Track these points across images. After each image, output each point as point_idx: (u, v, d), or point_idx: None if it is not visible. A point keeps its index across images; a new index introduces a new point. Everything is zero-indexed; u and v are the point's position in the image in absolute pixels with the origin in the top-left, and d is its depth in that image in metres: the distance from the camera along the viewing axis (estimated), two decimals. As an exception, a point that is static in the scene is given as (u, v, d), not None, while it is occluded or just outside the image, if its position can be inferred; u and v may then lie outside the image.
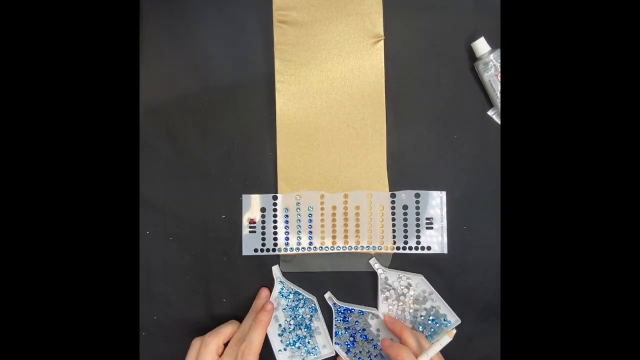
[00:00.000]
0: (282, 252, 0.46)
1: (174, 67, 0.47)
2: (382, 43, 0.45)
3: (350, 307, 0.45)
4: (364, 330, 0.45)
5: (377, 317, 0.45)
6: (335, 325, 0.45)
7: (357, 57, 0.45)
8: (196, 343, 0.41)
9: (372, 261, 0.45)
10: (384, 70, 0.45)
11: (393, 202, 0.45)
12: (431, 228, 0.45)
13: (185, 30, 0.47)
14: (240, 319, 0.45)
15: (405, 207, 0.45)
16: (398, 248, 0.45)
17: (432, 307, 0.45)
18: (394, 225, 0.45)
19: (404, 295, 0.45)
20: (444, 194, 0.45)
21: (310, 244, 0.46)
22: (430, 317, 0.45)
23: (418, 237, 0.45)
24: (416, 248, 0.45)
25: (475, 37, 0.44)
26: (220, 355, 0.41)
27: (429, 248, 0.45)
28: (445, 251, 0.45)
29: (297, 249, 0.46)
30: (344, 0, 0.44)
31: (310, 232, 0.46)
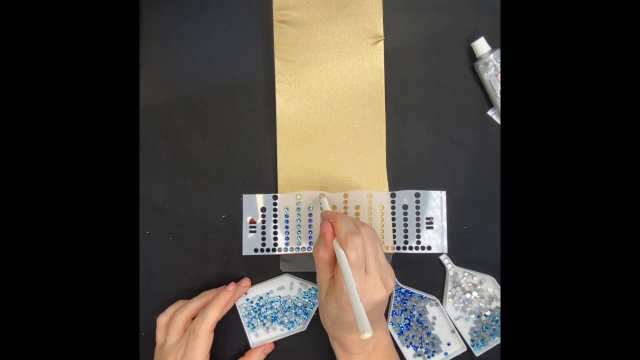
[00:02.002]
0: (282, 252, 0.46)
1: (174, 67, 0.47)
2: (382, 43, 0.45)
3: (411, 290, 0.45)
4: (420, 315, 0.45)
5: (437, 304, 0.45)
6: (394, 305, 0.45)
7: (357, 57, 0.45)
8: (162, 319, 0.43)
9: (443, 257, 0.45)
10: (384, 70, 0.45)
11: (393, 202, 0.45)
12: (431, 228, 0.45)
13: (185, 30, 0.47)
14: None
15: (405, 207, 0.45)
16: (398, 248, 0.45)
17: (498, 308, 0.45)
18: (394, 225, 0.45)
19: (470, 293, 0.45)
20: (444, 193, 0.45)
21: (311, 244, 0.46)
22: (495, 318, 0.45)
23: (418, 237, 0.45)
24: (416, 248, 0.45)
25: (475, 37, 0.44)
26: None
27: (429, 248, 0.45)
28: (446, 251, 0.45)
29: (297, 249, 0.46)
30: (344, 0, 0.44)
31: (310, 232, 0.46)
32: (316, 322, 0.45)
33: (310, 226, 0.46)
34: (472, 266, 0.45)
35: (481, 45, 0.43)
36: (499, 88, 0.43)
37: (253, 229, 0.46)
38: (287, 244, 0.46)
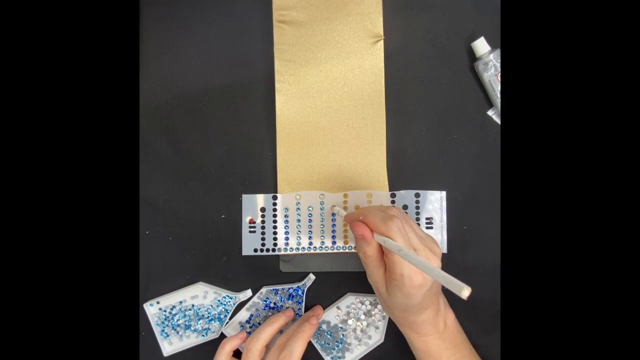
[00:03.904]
0: (282, 252, 0.46)
1: (174, 67, 0.47)
2: (382, 43, 0.45)
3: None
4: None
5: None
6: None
7: (357, 57, 0.45)
8: (227, 347, 0.42)
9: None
10: (383, 70, 0.45)
11: (393, 202, 0.45)
12: (431, 228, 0.45)
13: (185, 31, 0.47)
14: (240, 319, 0.45)
15: (405, 207, 0.45)
16: (398, 248, 0.45)
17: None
18: (394, 225, 0.45)
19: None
20: (444, 193, 0.45)
21: (310, 244, 0.46)
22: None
23: (418, 237, 0.45)
24: (416, 248, 0.45)
25: (475, 37, 0.44)
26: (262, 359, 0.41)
27: (429, 248, 0.45)
28: (445, 251, 0.45)
29: (297, 249, 0.46)
30: (344, 0, 0.44)
31: (310, 232, 0.46)
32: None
33: (310, 226, 0.46)
34: (472, 266, 0.45)
35: (481, 45, 0.43)
36: (499, 88, 0.43)
37: (253, 229, 0.46)
38: (287, 244, 0.46)
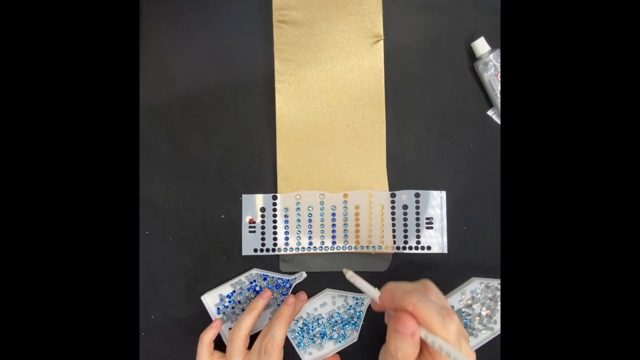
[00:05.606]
0: (282, 252, 0.46)
1: (173, 67, 0.47)
2: (382, 43, 0.45)
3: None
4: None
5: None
6: None
7: (357, 57, 0.45)
8: (206, 338, 0.42)
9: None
10: (383, 70, 0.45)
11: (393, 202, 0.45)
12: (431, 228, 0.45)
13: (185, 30, 0.47)
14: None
15: (405, 207, 0.45)
16: (398, 248, 0.45)
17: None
18: (393, 225, 0.45)
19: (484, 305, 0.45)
20: (443, 193, 0.45)
21: (310, 244, 0.46)
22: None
23: (418, 237, 0.45)
24: (416, 248, 0.45)
25: (475, 37, 0.44)
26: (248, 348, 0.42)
27: (429, 248, 0.45)
28: (445, 251, 0.45)
29: (297, 249, 0.46)
30: (344, 0, 0.44)
31: (310, 232, 0.46)
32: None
33: (310, 226, 0.46)
34: (472, 266, 0.45)
35: (481, 45, 0.43)
36: (499, 88, 0.43)
37: (252, 229, 0.46)
38: (286, 244, 0.46)
